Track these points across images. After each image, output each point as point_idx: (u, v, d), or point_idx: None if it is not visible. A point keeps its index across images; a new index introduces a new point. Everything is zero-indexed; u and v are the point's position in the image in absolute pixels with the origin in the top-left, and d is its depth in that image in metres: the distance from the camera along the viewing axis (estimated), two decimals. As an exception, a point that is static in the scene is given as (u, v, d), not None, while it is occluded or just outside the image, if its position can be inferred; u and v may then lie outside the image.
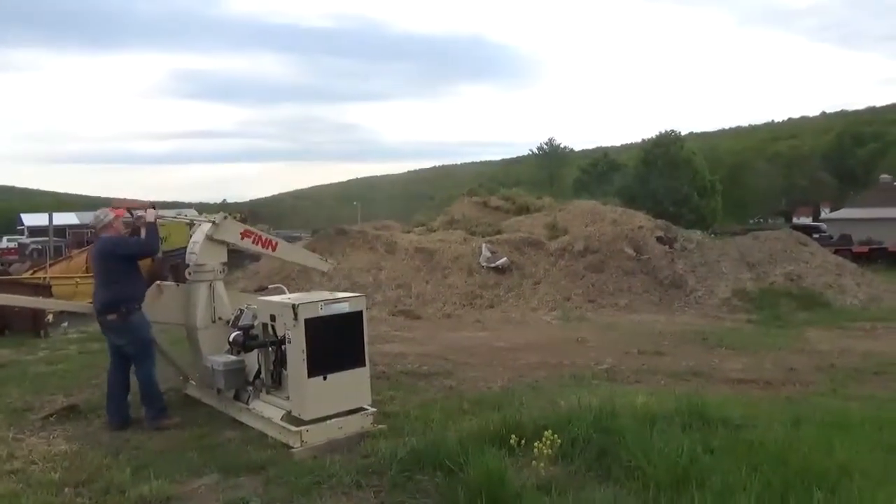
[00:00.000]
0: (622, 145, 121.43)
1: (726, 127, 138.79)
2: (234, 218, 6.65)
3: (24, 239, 48.78)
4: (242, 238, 6.28)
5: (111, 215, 5.72)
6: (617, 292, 14.22)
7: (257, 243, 6.38)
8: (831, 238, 29.34)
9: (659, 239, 15.85)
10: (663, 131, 53.72)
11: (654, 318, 12.78)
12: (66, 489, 4.18)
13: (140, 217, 5.80)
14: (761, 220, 58.91)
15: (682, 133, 57.29)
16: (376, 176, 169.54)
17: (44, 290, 11.65)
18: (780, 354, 9.28)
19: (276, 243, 6.65)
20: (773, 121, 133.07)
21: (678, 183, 47.73)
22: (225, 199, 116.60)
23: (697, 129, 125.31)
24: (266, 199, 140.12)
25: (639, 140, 73.68)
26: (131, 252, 5.66)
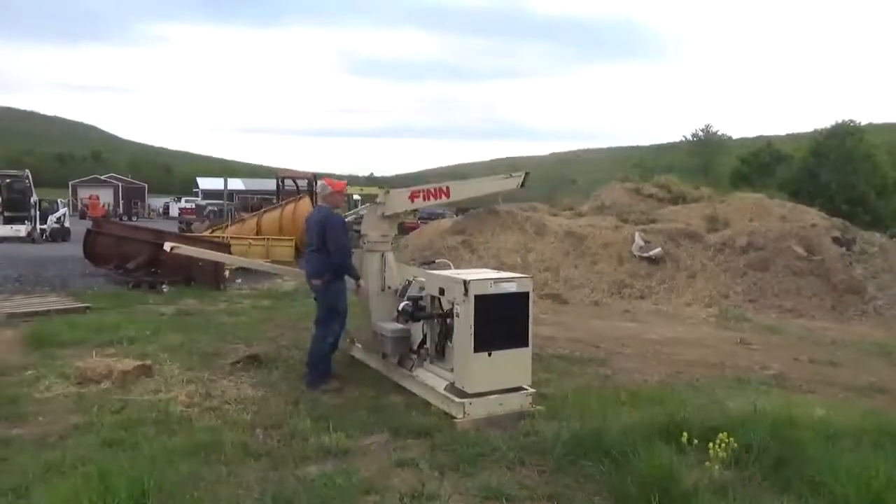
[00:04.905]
0: (787, 135, 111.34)
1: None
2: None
3: (200, 200, 54.18)
4: (412, 200, 6.39)
5: (329, 188, 6.03)
6: (782, 293, 13.17)
7: (428, 198, 6.37)
8: None
9: (835, 239, 14.43)
10: (839, 121, 48.69)
11: (824, 325, 11.73)
12: (257, 430, 4.62)
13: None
14: (954, 226, 51.86)
15: (862, 123, 51.57)
16: (520, 156, 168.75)
17: (224, 247, 12.72)
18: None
19: (447, 188, 6.44)
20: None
21: (854, 179, 43.16)
22: (372, 173, 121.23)
23: (879, 119, 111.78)
24: (411, 174, 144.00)
25: (809, 130, 66.92)
26: (334, 240, 5.74)
